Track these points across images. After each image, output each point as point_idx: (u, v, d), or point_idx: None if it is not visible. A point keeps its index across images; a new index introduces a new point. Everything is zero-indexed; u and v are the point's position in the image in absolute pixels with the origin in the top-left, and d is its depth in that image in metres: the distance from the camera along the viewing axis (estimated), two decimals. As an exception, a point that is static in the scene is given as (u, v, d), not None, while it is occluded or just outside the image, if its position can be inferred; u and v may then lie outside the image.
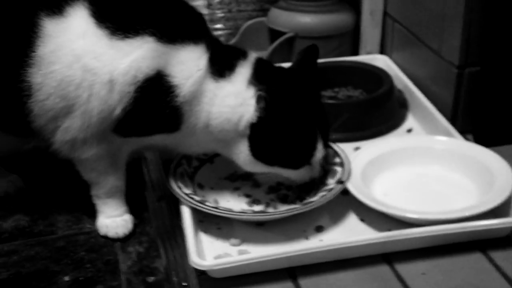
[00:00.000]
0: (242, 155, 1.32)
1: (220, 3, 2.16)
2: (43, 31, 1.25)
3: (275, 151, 1.30)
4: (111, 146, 1.33)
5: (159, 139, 1.34)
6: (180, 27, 1.29)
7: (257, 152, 1.30)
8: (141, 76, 1.25)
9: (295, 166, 1.32)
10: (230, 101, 1.28)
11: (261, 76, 1.29)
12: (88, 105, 1.26)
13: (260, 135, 1.28)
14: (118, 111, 1.26)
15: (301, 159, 1.31)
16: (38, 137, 1.34)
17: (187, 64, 1.27)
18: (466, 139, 1.55)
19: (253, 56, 1.33)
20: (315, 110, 1.33)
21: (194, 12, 1.34)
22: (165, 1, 1.31)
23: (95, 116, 1.27)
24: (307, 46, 1.37)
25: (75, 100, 1.26)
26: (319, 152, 1.31)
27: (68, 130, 1.29)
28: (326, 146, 1.35)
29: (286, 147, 1.29)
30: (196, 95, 1.28)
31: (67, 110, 1.27)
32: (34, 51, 1.25)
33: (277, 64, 1.39)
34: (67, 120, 1.28)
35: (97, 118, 1.27)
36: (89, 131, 1.29)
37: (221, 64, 1.30)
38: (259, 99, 1.26)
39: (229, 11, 2.16)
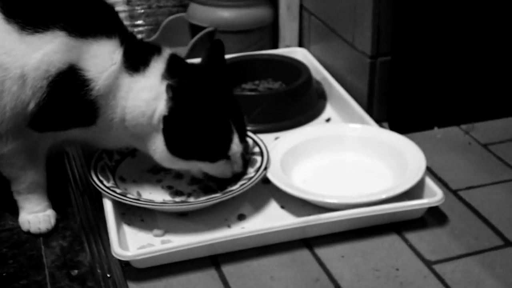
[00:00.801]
0: (158, 150, 1.33)
1: (139, -1, 2.18)
2: None
3: (188, 143, 1.31)
4: (28, 141, 1.33)
5: (77, 134, 1.35)
6: (92, 22, 1.30)
7: (171, 146, 1.31)
8: (53, 70, 1.25)
9: (211, 159, 1.33)
10: (144, 95, 1.30)
11: (174, 71, 1.31)
12: (1, 101, 1.26)
13: (172, 127, 1.29)
14: (31, 106, 1.26)
15: (217, 151, 1.33)
16: None
17: (101, 58, 1.28)
18: (382, 127, 1.60)
19: (167, 52, 1.35)
20: (228, 104, 1.34)
21: (106, 7, 1.35)
22: None
23: (8, 111, 1.26)
24: (212, 42, 1.39)
25: None
26: (236, 145, 1.33)
27: None
28: (243, 140, 1.36)
29: (199, 139, 1.30)
30: (111, 89, 1.29)
31: None
32: None
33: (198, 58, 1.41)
34: None
35: (11, 113, 1.27)
36: (4, 127, 1.28)
37: (136, 59, 1.31)
38: (167, 88, 1.26)
39: (149, 7, 2.17)
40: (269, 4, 2.06)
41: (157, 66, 1.31)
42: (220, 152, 1.33)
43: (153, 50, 1.34)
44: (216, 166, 1.34)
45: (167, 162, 1.34)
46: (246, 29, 2.02)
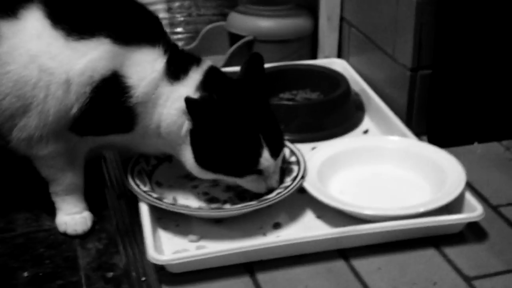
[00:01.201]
0: (189, 162, 1.33)
1: (180, 7, 2.18)
2: None
3: (214, 157, 1.30)
4: (68, 144, 1.34)
5: (115, 139, 1.36)
6: (136, 30, 1.31)
7: (198, 158, 1.31)
8: (97, 76, 1.27)
9: (237, 174, 1.32)
10: (178, 104, 1.30)
11: (208, 83, 1.31)
12: (45, 105, 1.27)
13: (197, 140, 1.30)
14: (74, 110, 1.28)
15: (243, 166, 1.31)
16: None
17: (142, 66, 1.29)
18: (421, 140, 1.59)
19: (207, 63, 1.35)
20: (261, 119, 1.32)
21: (151, 16, 1.36)
22: (122, 4, 1.33)
23: (51, 115, 1.28)
24: (251, 55, 1.38)
25: (32, 100, 1.28)
26: (265, 160, 1.30)
27: (24, 129, 1.30)
28: (276, 155, 1.32)
29: (224, 153, 1.29)
30: (150, 97, 1.30)
31: (23, 109, 1.29)
32: None
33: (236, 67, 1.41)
34: (24, 119, 1.30)
35: (54, 117, 1.29)
36: (46, 130, 1.30)
37: (177, 68, 1.32)
38: (186, 103, 1.26)
39: (189, 15, 2.18)
40: (309, 14, 2.06)
41: (194, 77, 1.32)
42: (247, 167, 1.31)
43: (193, 60, 1.34)
44: (246, 180, 1.33)
45: (198, 173, 1.34)
46: (285, 39, 2.02)
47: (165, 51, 1.32)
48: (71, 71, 1.26)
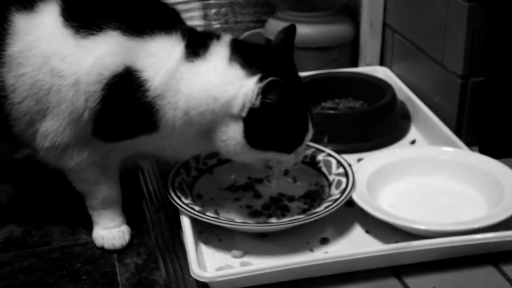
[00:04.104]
0: (232, 141, 1.23)
1: (216, 14, 2.13)
2: (13, 28, 1.22)
3: (272, 136, 1.23)
4: (95, 153, 1.29)
5: (144, 144, 1.29)
6: (147, 19, 1.25)
7: (252, 137, 1.22)
8: (106, 73, 1.20)
9: (289, 149, 1.26)
10: (211, 78, 1.21)
11: (250, 58, 1.23)
12: (59, 108, 1.23)
13: (262, 120, 1.21)
14: (86, 112, 1.22)
15: (296, 141, 1.27)
16: (20, 142, 1.32)
17: (157, 56, 1.22)
18: (471, 150, 1.52)
19: (227, 37, 1.27)
20: (302, 89, 1.28)
21: (162, 4, 1.30)
22: None
23: (66, 118, 1.23)
24: (287, 26, 1.32)
25: (48, 104, 1.23)
26: (310, 131, 1.27)
27: (46, 135, 1.26)
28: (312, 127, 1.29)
29: (284, 131, 1.24)
30: (169, 86, 1.22)
31: (43, 114, 1.25)
32: (4, 50, 1.22)
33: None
34: (43, 124, 1.25)
35: (68, 120, 1.23)
36: (67, 136, 1.25)
37: (196, 46, 1.24)
38: (270, 85, 1.18)
39: (226, 22, 2.13)
40: (350, 20, 2.00)
41: (219, 50, 1.23)
42: (299, 142, 1.27)
43: (211, 36, 1.26)
44: (290, 156, 1.27)
45: (239, 154, 1.25)
46: (325, 46, 1.98)
47: (183, 37, 1.25)
48: (80, 71, 1.20)
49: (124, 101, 1.22)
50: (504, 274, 1.20)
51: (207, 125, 1.24)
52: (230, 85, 1.21)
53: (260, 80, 1.19)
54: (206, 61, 1.23)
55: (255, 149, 1.24)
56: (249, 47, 1.28)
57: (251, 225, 1.28)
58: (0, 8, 1.23)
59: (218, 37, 1.26)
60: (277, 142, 1.25)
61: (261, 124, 1.22)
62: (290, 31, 1.31)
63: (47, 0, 1.23)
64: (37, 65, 1.22)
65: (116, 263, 1.33)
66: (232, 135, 1.23)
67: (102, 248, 1.36)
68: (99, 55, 1.20)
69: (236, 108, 1.21)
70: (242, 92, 1.20)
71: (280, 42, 1.31)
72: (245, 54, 1.23)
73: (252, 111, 1.20)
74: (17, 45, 1.22)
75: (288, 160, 1.28)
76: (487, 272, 1.21)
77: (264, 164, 1.30)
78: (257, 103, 1.19)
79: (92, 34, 1.21)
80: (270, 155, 1.26)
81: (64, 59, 1.21)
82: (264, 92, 1.18)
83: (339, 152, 1.46)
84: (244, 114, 1.21)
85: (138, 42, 1.22)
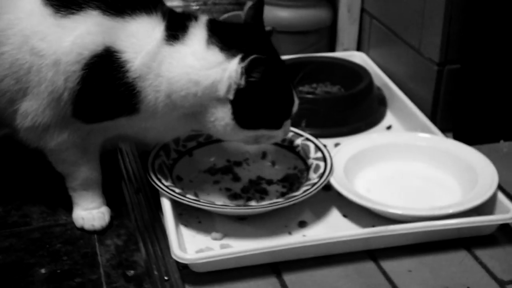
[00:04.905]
0: (221, 123, 1.24)
1: (195, -5, 2.13)
2: None
3: (261, 114, 1.25)
4: (76, 134, 1.29)
5: (126, 126, 1.29)
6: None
7: (241, 117, 1.23)
8: (86, 53, 1.20)
9: (277, 125, 1.28)
10: (190, 61, 1.22)
11: (228, 39, 1.23)
12: (39, 88, 1.23)
13: (250, 99, 1.22)
14: (66, 92, 1.22)
15: (283, 116, 1.28)
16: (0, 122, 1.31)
17: (138, 37, 1.22)
18: (446, 137, 1.55)
19: (204, 18, 1.27)
20: (281, 62, 1.29)
21: None
22: None
23: (45, 98, 1.23)
24: (255, 2, 1.32)
25: (28, 84, 1.23)
26: (296, 104, 1.29)
27: (26, 115, 1.26)
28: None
29: (272, 108, 1.25)
30: (151, 68, 1.22)
31: (23, 93, 1.24)
32: None
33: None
34: (24, 103, 1.25)
35: (48, 100, 1.23)
36: (47, 116, 1.25)
37: (175, 29, 1.24)
38: (253, 63, 1.18)
39: (205, 3, 2.13)
40: (328, 5, 2.01)
41: (196, 32, 1.24)
42: (286, 116, 1.28)
43: (190, 17, 1.26)
44: (277, 131, 1.29)
45: (229, 134, 1.26)
46: (303, 30, 1.98)
47: (163, 18, 1.25)
48: (59, 50, 1.20)
49: (104, 82, 1.22)
50: (476, 258, 1.23)
51: (191, 108, 1.25)
52: (210, 69, 1.21)
53: (242, 59, 1.19)
54: (185, 44, 1.23)
55: (245, 129, 1.25)
56: (225, 27, 1.28)
57: (231, 208, 1.29)
58: None
59: (196, 18, 1.27)
60: (266, 119, 1.26)
61: (250, 103, 1.22)
62: (258, 6, 1.31)
63: None
64: (17, 43, 1.22)
65: (97, 244, 1.33)
66: (220, 116, 1.24)
67: (82, 229, 1.36)
68: (78, 34, 1.20)
69: (222, 91, 1.21)
70: (226, 75, 1.21)
71: (251, 18, 1.31)
72: (223, 35, 1.24)
73: (239, 92, 1.21)
74: None
75: (278, 134, 1.30)
76: (461, 256, 1.23)
77: (254, 141, 1.30)
78: (243, 82, 1.20)
79: (72, 13, 1.20)
80: (260, 133, 1.27)
81: (44, 38, 1.21)
82: (247, 71, 1.19)
83: (316, 136, 1.47)
84: (231, 96, 1.21)
85: (118, 22, 1.22)
